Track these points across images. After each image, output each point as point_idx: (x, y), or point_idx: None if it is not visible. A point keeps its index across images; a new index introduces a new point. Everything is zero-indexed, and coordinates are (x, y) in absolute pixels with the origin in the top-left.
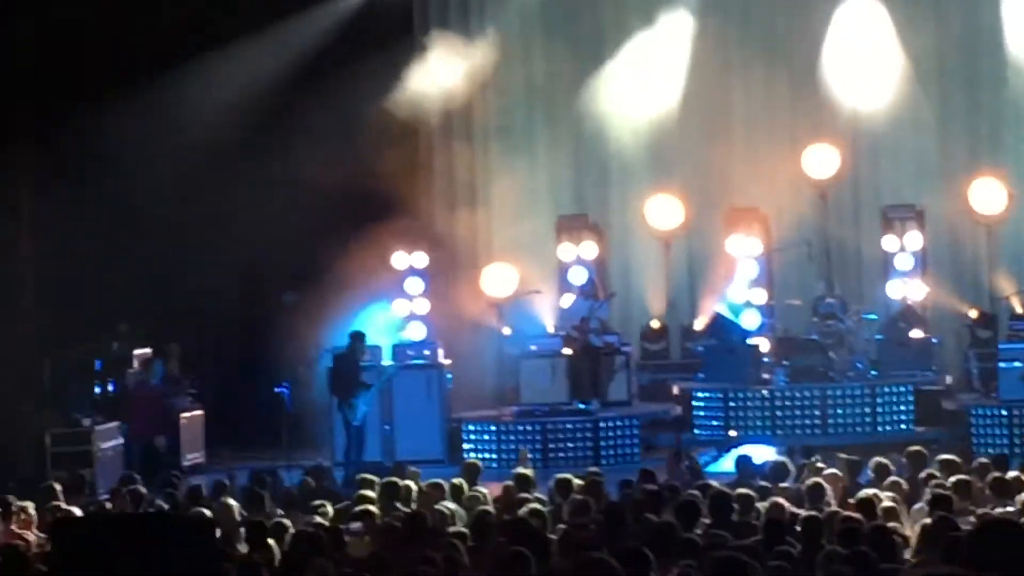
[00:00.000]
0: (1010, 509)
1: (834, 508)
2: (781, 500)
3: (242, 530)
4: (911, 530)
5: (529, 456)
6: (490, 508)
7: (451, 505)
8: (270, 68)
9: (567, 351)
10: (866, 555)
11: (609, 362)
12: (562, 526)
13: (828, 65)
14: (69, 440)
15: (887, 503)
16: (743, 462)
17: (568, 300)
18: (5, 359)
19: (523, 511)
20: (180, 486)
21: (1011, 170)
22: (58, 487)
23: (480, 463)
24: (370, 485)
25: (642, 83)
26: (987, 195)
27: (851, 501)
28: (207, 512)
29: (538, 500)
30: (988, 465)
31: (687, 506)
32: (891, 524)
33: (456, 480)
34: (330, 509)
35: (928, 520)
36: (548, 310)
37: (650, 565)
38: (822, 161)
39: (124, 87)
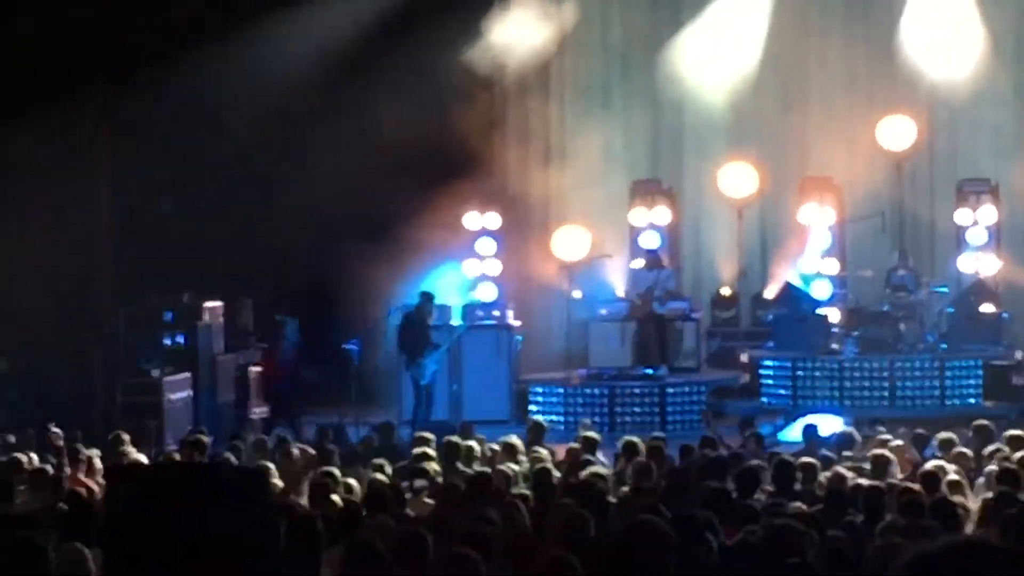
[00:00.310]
0: None
1: (898, 480)
2: (843, 470)
3: (305, 484)
4: (975, 504)
5: (592, 424)
6: (551, 468)
7: (514, 467)
8: (349, 22)
9: (632, 318)
10: (926, 527)
11: (675, 329)
12: (624, 489)
13: (907, 36)
14: (138, 390)
15: (952, 476)
16: (810, 431)
17: (637, 265)
18: (80, 309)
19: (585, 473)
20: (247, 438)
21: None
22: (126, 437)
23: (545, 423)
24: (429, 443)
25: (720, 49)
26: None
27: (916, 474)
28: (270, 465)
29: (602, 464)
30: None
31: (746, 473)
32: (955, 498)
33: (519, 439)
34: (388, 467)
35: (990, 495)
36: (619, 275)
37: (711, 529)
38: (898, 132)
39: (203, 40)
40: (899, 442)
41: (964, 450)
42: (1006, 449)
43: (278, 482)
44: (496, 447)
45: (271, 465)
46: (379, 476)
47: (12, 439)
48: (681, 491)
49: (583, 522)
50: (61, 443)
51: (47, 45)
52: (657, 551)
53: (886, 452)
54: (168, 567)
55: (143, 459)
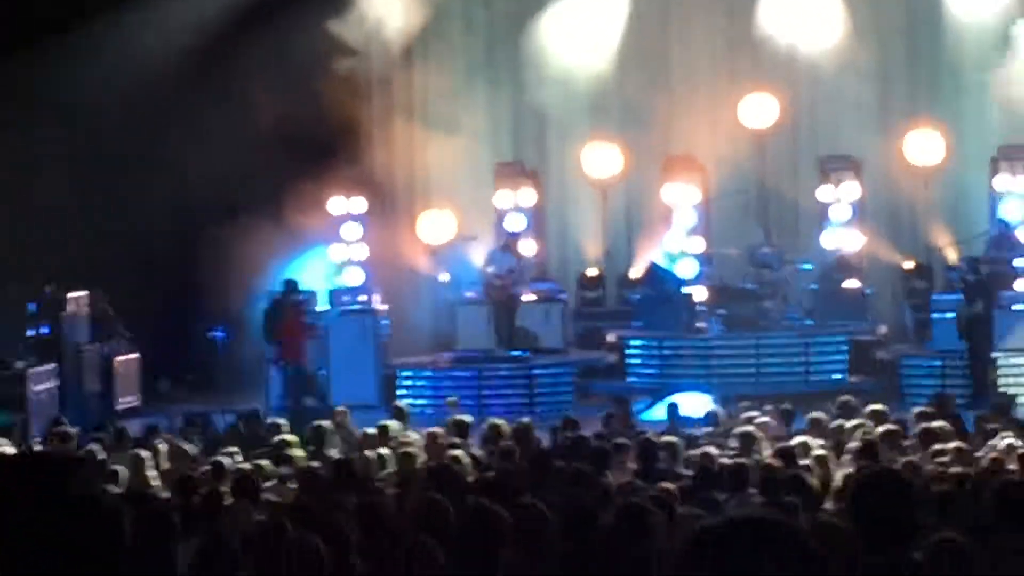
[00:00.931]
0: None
1: (764, 456)
2: (710, 448)
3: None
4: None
5: (457, 402)
6: (415, 453)
7: (383, 451)
8: (213, 7)
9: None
10: (783, 503)
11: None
12: (490, 473)
13: (766, 14)
14: (2, 382)
15: (817, 451)
16: (673, 410)
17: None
18: None
19: (446, 457)
20: (110, 429)
21: (948, 121)
22: None
23: (406, 407)
24: (285, 429)
25: (581, 29)
26: (924, 146)
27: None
28: (143, 453)
29: (469, 447)
30: (925, 414)
31: (599, 453)
32: (819, 472)
33: (384, 424)
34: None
35: (851, 469)
36: (484, 257)
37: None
38: (760, 110)
39: (65, 27)
40: (765, 419)
41: (827, 428)
42: (869, 423)
43: (124, 471)
44: (370, 432)
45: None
46: (241, 463)
47: None
48: (541, 472)
49: (441, 507)
50: None
51: None
52: (495, 539)
53: (751, 429)
54: None
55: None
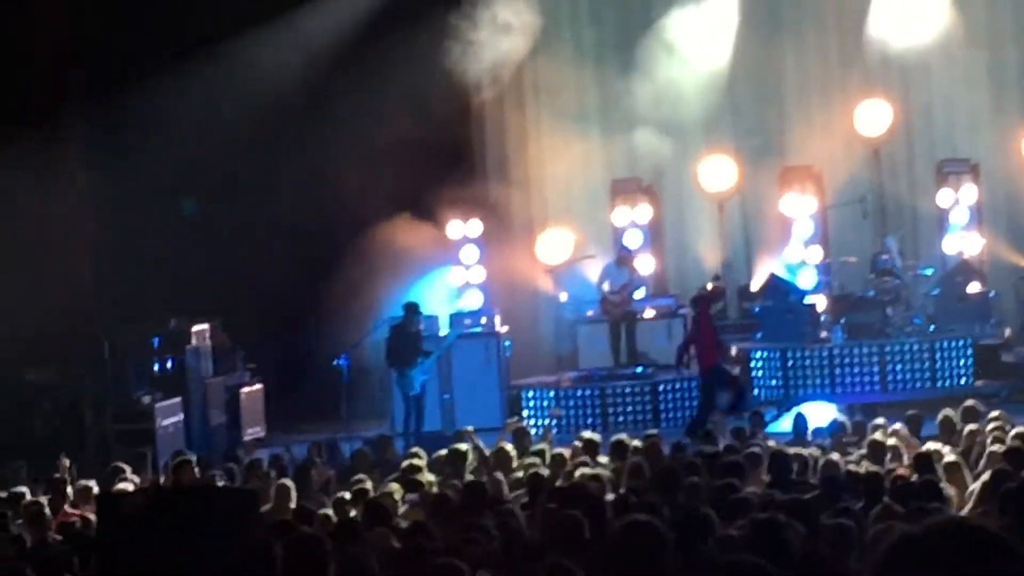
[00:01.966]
0: None
1: (896, 465)
2: (837, 458)
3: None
4: (974, 484)
5: (560, 413)
6: (544, 472)
7: (517, 474)
8: (326, 35)
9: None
10: (917, 510)
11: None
12: (621, 490)
13: (878, 20)
14: (130, 418)
15: (950, 458)
16: (799, 421)
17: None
18: (66, 335)
19: (577, 475)
20: (242, 460)
21: None
22: (125, 466)
23: (526, 426)
24: (419, 456)
25: (692, 43)
26: None
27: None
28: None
29: (600, 464)
30: None
31: (734, 466)
32: (954, 479)
33: (506, 445)
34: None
35: (987, 474)
36: (599, 274)
37: (707, 525)
38: (874, 117)
39: (175, 56)
40: (898, 426)
41: (958, 433)
42: (1000, 427)
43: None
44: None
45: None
46: (371, 489)
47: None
48: (670, 487)
49: (577, 525)
50: (65, 475)
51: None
52: (651, 550)
53: (882, 437)
54: None
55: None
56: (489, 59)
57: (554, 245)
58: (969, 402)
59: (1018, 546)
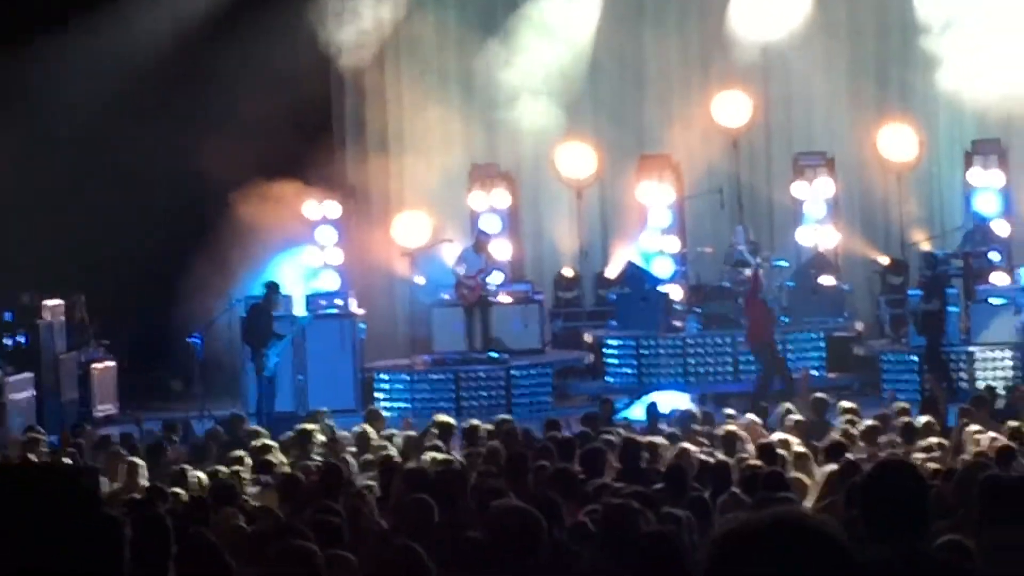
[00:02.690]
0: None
1: (746, 455)
2: (688, 446)
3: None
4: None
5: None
6: (396, 456)
7: (368, 456)
8: (186, 16)
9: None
10: (767, 500)
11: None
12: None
13: (739, 12)
14: None
15: (798, 448)
16: (652, 410)
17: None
18: None
19: (427, 459)
20: (92, 436)
21: (920, 117)
22: None
23: (381, 410)
24: (265, 436)
25: (555, 30)
26: (897, 142)
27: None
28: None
29: (449, 449)
30: (905, 409)
31: (592, 454)
32: (800, 471)
33: (361, 428)
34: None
35: (834, 466)
36: (455, 259)
37: (554, 511)
38: (733, 108)
39: (36, 27)
40: (750, 416)
41: (802, 423)
42: (847, 420)
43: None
44: (346, 435)
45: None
46: (222, 469)
47: None
48: (520, 473)
49: (427, 509)
50: None
51: None
52: (525, 535)
53: (734, 428)
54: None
55: None
56: (351, 40)
57: (411, 228)
58: (818, 394)
59: (845, 541)
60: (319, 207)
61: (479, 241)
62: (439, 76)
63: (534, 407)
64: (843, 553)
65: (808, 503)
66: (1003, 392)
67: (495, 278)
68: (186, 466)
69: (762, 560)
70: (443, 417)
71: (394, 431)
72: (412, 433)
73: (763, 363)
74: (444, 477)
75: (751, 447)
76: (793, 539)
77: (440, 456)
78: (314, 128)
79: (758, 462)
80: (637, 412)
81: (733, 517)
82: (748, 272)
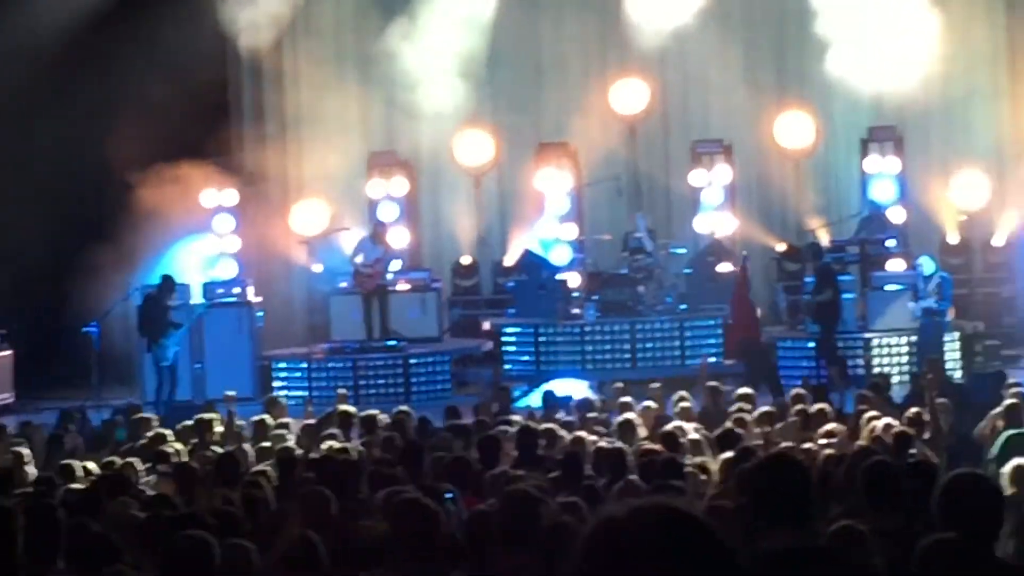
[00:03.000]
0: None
1: (643, 441)
2: (584, 434)
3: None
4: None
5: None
6: (293, 445)
7: (265, 444)
8: (83, 4)
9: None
10: (663, 487)
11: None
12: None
13: (636, 1)
14: None
15: (693, 435)
16: (549, 397)
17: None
18: None
19: (324, 448)
20: None
21: (817, 104)
22: None
23: (281, 399)
24: (157, 424)
25: (453, 17)
26: (794, 129)
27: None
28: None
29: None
30: (800, 396)
31: (488, 442)
32: (697, 458)
33: (259, 417)
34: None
35: (730, 453)
36: (353, 247)
37: (450, 500)
38: (631, 96)
39: None
40: (647, 403)
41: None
42: (743, 407)
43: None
44: (243, 423)
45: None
46: (118, 459)
47: None
48: (416, 462)
49: (324, 498)
50: None
51: None
52: (421, 526)
53: (632, 415)
54: None
55: None
56: (251, 22)
57: (309, 216)
58: (711, 382)
59: (717, 529)
60: (217, 195)
61: (377, 230)
62: (338, 61)
63: (432, 395)
64: (716, 543)
65: (709, 490)
66: (906, 379)
67: (393, 266)
68: (78, 456)
69: (633, 552)
70: (343, 406)
71: (290, 420)
72: (310, 421)
73: (750, 367)
74: (340, 467)
75: (645, 433)
76: (665, 529)
77: (337, 445)
78: (213, 113)
79: (655, 447)
80: (535, 400)
81: (602, 509)
82: (735, 268)
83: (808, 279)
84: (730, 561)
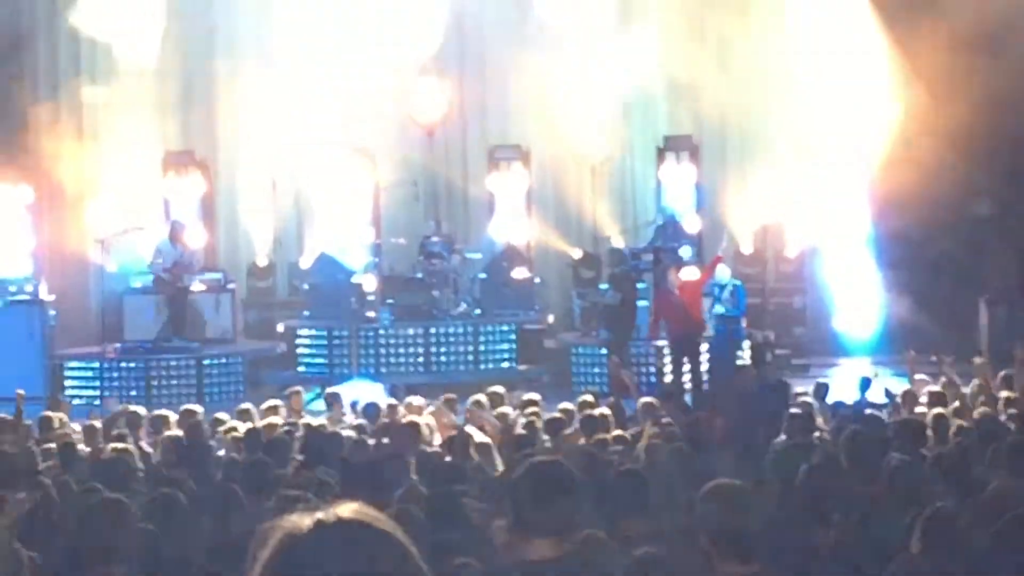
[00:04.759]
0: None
1: (435, 446)
2: (368, 440)
3: None
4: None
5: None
6: (77, 444)
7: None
8: None
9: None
10: (456, 492)
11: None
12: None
13: (434, 2)
14: None
15: (480, 439)
16: (333, 400)
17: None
18: None
19: (109, 450)
20: None
21: (616, 112)
22: None
23: (66, 400)
24: None
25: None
26: (592, 136)
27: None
28: None
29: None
30: (588, 403)
31: (276, 444)
32: (483, 460)
33: (42, 415)
34: None
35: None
36: (152, 250)
37: (235, 501)
38: (428, 101)
39: None
40: (437, 406)
41: (487, 415)
42: (530, 411)
43: None
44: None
45: None
46: None
47: None
48: (203, 464)
49: (114, 502)
50: None
51: None
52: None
53: (417, 419)
54: None
55: None
56: (44, 23)
57: (104, 215)
58: (493, 388)
59: (401, 543)
60: (11, 191)
61: (174, 231)
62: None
63: (225, 396)
64: (400, 554)
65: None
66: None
67: (191, 266)
68: None
69: (315, 563)
70: (131, 407)
71: (75, 422)
72: (96, 423)
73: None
74: (119, 468)
75: (436, 438)
76: (348, 540)
77: (120, 446)
78: (6, 114)
79: (439, 450)
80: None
81: (285, 519)
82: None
83: (603, 286)
84: (415, 572)
